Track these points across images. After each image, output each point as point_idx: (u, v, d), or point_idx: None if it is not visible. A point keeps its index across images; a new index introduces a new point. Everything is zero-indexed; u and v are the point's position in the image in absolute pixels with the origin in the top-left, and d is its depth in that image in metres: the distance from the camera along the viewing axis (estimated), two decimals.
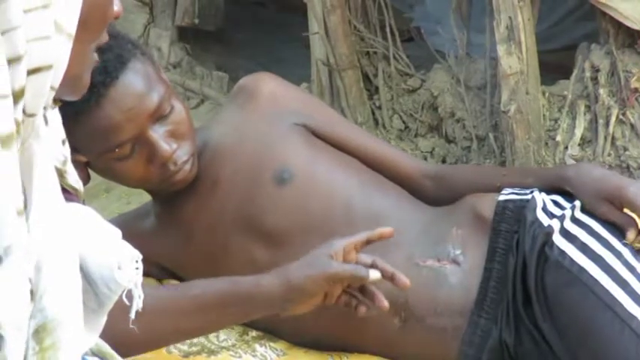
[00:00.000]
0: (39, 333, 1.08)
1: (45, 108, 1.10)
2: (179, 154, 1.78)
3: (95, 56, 1.16)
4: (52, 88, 1.07)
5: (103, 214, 1.99)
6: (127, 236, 1.70)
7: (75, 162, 1.72)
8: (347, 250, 1.59)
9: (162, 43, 4.25)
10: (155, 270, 1.94)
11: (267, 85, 1.96)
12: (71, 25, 1.06)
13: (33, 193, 1.09)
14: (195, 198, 1.87)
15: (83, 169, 1.76)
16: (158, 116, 1.76)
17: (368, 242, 1.62)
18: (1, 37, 1.01)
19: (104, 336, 1.29)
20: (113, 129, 1.72)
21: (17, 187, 1.05)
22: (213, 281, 1.63)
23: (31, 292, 1.08)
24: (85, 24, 1.08)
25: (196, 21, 4.24)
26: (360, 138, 2.01)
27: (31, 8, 1.02)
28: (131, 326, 1.26)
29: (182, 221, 1.88)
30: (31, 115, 1.07)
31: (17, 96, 1.03)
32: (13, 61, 1.02)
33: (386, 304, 1.59)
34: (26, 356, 1.07)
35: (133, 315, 1.25)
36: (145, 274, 1.91)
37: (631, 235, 1.75)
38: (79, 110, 1.68)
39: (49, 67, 1.05)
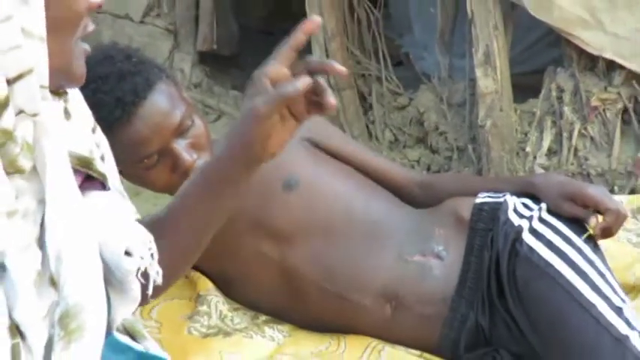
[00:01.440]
0: (63, 319, 1.04)
1: (52, 102, 1.05)
2: (199, 163, 1.78)
3: (85, 46, 1.10)
4: (41, 86, 1.03)
5: None
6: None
7: None
8: (277, 74, 1.23)
9: (185, 65, 4.25)
10: None
11: None
12: (39, 29, 1.01)
13: (48, 190, 1.05)
14: None
15: None
16: (181, 130, 1.76)
17: (295, 49, 1.26)
18: None
19: None
20: (142, 142, 1.72)
21: (6, 190, 1.00)
22: (187, 184, 1.33)
23: (53, 282, 1.04)
24: (55, 23, 1.03)
25: (215, 47, 4.24)
26: (357, 150, 2.01)
27: None
28: (150, 299, 1.18)
29: None
30: (35, 115, 1.03)
31: (1, 106, 0.99)
32: None
33: (333, 102, 1.22)
34: (52, 342, 1.04)
35: (150, 292, 1.18)
36: None
37: (593, 222, 1.75)
38: (113, 126, 1.69)
39: (30, 71, 1.00)
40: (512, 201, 1.84)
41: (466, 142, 3.08)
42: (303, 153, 1.90)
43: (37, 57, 1.01)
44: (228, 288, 1.91)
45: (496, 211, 1.83)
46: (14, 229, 1.01)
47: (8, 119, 1.00)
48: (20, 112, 1.02)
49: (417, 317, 1.80)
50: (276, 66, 1.23)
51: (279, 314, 1.90)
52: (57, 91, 1.10)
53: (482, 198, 1.88)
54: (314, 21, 1.27)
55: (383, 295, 1.80)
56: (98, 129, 1.21)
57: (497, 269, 1.77)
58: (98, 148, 1.20)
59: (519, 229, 1.77)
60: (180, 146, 1.76)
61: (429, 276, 1.81)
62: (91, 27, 1.10)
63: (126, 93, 1.70)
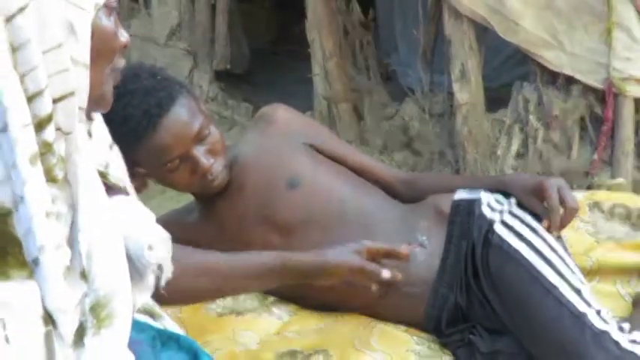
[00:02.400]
0: (95, 309, 1.05)
1: (80, 124, 1.06)
2: (215, 166, 1.78)
3: (115, 76, 1.12)
4: (80, 108, 1.04)
5: (159, 211, 1.99)
6: (176, 227, 1.70)
7: (137, 173, 1.73)
8: (370, 252, 1.53)
9: (203, 82, 4.26)
10: None
11: (281, 113, 1.95)
12: (85, 57, 1.02)
13: (80, 198, 1.06)
14: (227, 199, 1.86)
15: (142, 178, 1.76)
16: (199, 138, 1.75)
17: (386, 255, 1.54)
18: (25, 76, 0.97)
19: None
20: (166, 148, 1.71)
21: (46, 194, 1.01)
22: (264, 254, 1.53)
23: (85, 277, 1.04)
24: (97, 54, 1.04)
25: (228, 66, 4.25)
26: (351, 153, 2.01)
27: (48, 49, 0.99)
28: (162, 292, 1.19)
29: (217, 216, 1.87)
30: (68, 133, 1.03)
31: (45, 121, 1.00)
32: (36, 94, 0.99)
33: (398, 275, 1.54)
34: (84, 329, 1.04)
35: (163, 283, 1.20)
36: None
37: (544, 223, 1.74)
38: (141, 135, 1.69)
39: (72, 94, 1.01)
40: (486, 197, 1.83)
41: (445, 146, 3.09)
42: (304, 155, 1.89)
43: (79, 81, 1.02)
44: None
45: (472, 205, 1.82)
46: (51, 228, 1.01)
47: (50, 133, 1.01)
48: (58, 129, 1.02)
49: (405, 297, 1.79)
50: (374, 248, 1.53)
51: (285, 296, 1.89)
52: (88, 115, 1.10)
53: (459, 194, 1.87)
54: (407, 254, 1.57)
55: None
56: (115, 147, 1.22)
57: (472, 256, 1.77)
58: (112, 163, 1.21)
59: (492, 222, 1.76)
60: (199, 152, 1.75)
61: (415, 262, 1.80)
62: (122, 62, 1.12)
63: (152, 106, 1.69)
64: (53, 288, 1.00)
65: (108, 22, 1.07)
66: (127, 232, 1.14)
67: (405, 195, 1.96)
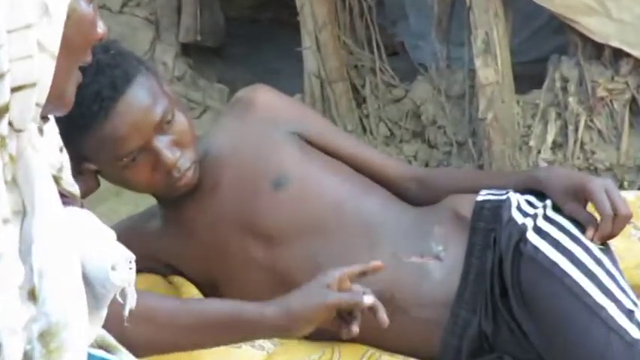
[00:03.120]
0: (44, 337, 1.06)
1: (33, 123, 1.07)
2: (182, 161, 1.77)
3: (79, 75, 1.14)
4: (37, 104, 1.05)
5: (113, 217, 1.99)
6: (134, 236, 1.71)
7: (86, 170, 1.73)
8: (342, 279, 1.56)
9: (167, 58, 4.24)
10: (161, 267, 1.94)
11: (263, 96, 1.96)
12: (54, 45, 1.04)
13: (35, 202, 1.07)
14: (197, 201, 1.86)
15: (93, 176, 1.76)
16: (162, 127, 1.75)
17: (361, 274, 1.58)
18: None
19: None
20: (121, 140, 1.71)
21: (1, 196, 1.03)
22: (217, 303, 1.63)
23: (34, 297, 1.06)
24: (68, 44, 1.06)
25: (198, 37, 4.23)
26: (350, 145, 2.01)
27: (15, 28, 1.00)
28: (126, 324, 1.22)
29: (185, 223, 1.87)
30: (19, 131, 1.05)
31: (2, 111, 1.01)
32: None
33: (356, 330, 1.57)
34: (32, 358, 1.05)
35: (127, 312, 1.22)
36: (152, 271, 1.93)
37: (589, 233, 1.75)
38: (89, 123, 1.68)
39: (32, 85, 1.03)
40: (516, 198, 1.84)
41: (466, 136, 3.09)
42: (292, 148, 1.89)
43: (43, 72, 1.03)
44: (214, 294, 1.91)
45: (498, 209, 1.82)
46: (6, 235, 1.03)
47: (4, 127, 1.02)
48: (9, 123, 1.03)
49: (416, 323, 1.79)
50: (346, 276, 1.55)
51: None
52: (42, 115, 1.11)
53: (483, 195, 1.87)
54: (381, 266, 1.60)
55: (378, 299, 1.79)
56: (64, 150, 1.23)
57: (500, 271, 1.77)
58: (66, 168, 1.22)
59: (523, 228, 1.76)
60: (162, 144, 1.75)
61: (428, 278, 1.80)
62: (89, 57, 1.13)
63: (103, 87, 1.69)
64: (3, 305, 1.01)
65: (87, 9, 1.09)
66: (86, 250, 1.15)
67: (416, 195, 1.97)
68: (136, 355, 1.48)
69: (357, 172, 1.96)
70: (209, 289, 1.92)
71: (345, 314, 1.57)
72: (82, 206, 1.24)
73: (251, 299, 1.87)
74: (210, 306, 1.60)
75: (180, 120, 1.78)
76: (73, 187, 1.22)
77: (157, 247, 1.88)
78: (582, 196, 1.77)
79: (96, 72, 1.69)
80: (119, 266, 1.18)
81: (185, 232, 1.87)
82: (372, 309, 1.55)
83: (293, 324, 1.54)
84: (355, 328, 1.56)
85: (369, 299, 1.54)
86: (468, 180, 1.98)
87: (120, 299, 1.20)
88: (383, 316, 1.55)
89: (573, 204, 1.78)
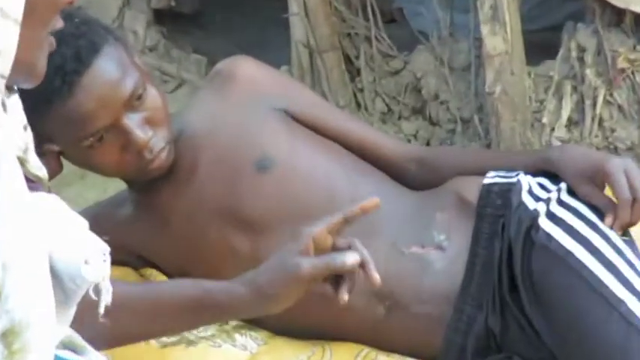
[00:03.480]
0: (7, 336, 1.05)
1: None
2: (155, 141, 1.78)
3: (52, 41, 1.14)
4: (1, 76, 1.05)
5: (79, 203, 1.99)
6: (103, 225, 1.70)
7: (48, 151, 1.73)
8: (320, 238, 1.49)
9: (138, 26, 4.24)
10: (132, 259, 1.94)
11: (245, 68, 1.96)
12: (17, 11, 1.04)
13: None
14: (172, 186, 1.86)
15: (56, 158, 1.76)
16: (132, 103, 1.75)
17: (347, 221, 1.50)
18: None
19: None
20: (86, 117, 1.71)
21: None
22: (185, 286, 1.62)
23: None
24: (32, 9, 1.06)
25: (173, 3, 4.22)
26: (342, 121, 2.01)
27: None
28: (101, 321, 1.23)
29: (159, 209, 1.88)
30: None
31: None
32: None
33: (344, 298, 1.48)
34: None
35: (102, 310, 1.22)
36: (123, 263, 1.93)
37: (608, 220, 1.75)
38: (51, 99, 1.68)
39: None
40: (527, 181, 1.84)
41: (471, 112, 3.09)
42: (278, 127, 1.90)
43: (6, 40, 1.03)
44: None
45: (508, 193, 1.83)
46: None
47: None
48: None
49: (416, 319, 1.80)
50: (324, 232, 1.49)
51: (253, 319, 1.90)
52: (9, 87, 1.12)
53: (491, 178, 1.88)
54: (374, 202, 1.53)
55: (375, 294, 1.80)
56: (29, 128, 1.23)
57: (509, 261, 1.78)
58: (31, 149, 1.22)
59: (535, 214, 1.77)
60: (132, 121, 1.75)
61: (429, 270, 1.81)
62: (60, 23, 1.13)
63: (67, 60, 1.69)
64: None
65: None
66: (55, 240, 1.15)
67: (416, 178, 1.98)
68: (106, 347, 1.50)
69: (350, 152, 1.96)
70: None
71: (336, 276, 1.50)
72: (49, 191, 1.23)
73: None
74: (178, 289, 1.61)
75: (153, 95, 1.78)
76: (40, 171, 1.22)
77: (128, 237, 1.89)
78: (600, 178, 1.77)
79: (58, 43, 1.69)
80: (92, 259, 1.18)
81: (158, 220, 1.88)
82: (362, 266, 1.48)
83: (264, 301, 1.52)
84: (343, 295, 1.49)
85: (351, 258, 1.46)
86: (474, 160, 1.99)
87: (93, 295, 1.20)
88: (374, 275, 1.47)
89: (589, 187, 1.78)
